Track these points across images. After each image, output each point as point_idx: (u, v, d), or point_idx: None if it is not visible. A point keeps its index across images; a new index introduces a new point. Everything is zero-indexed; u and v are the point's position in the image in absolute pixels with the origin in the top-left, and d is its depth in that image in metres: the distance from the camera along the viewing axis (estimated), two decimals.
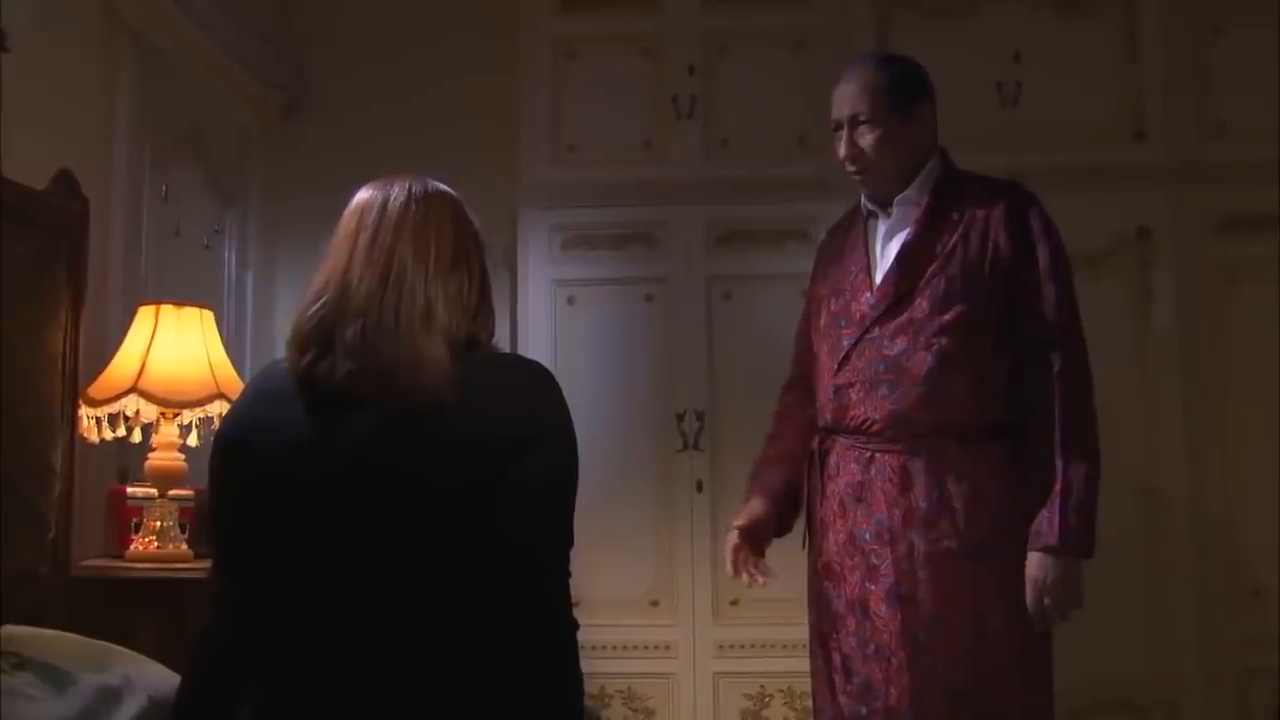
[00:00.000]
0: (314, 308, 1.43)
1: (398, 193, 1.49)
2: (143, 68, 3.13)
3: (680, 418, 3.42)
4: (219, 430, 1.52)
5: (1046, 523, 2.09)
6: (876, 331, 2.20)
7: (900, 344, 2.18)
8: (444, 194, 1.52)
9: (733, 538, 2.35)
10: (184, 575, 2.60)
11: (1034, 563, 2.10)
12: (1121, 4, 3.46)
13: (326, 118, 3.99)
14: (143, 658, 1.97)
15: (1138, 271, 3.35)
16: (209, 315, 2.82)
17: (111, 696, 1.75)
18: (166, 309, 2.75)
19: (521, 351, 3.35)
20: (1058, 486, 2.10)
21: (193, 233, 3.45)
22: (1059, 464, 2.11)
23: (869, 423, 2.19)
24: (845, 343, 2.23)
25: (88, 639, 2.00)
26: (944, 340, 2.15)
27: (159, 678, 1.88)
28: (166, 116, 3.26)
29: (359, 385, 1.39)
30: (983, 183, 2.30)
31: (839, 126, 2.28)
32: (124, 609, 2.51)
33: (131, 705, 1.75)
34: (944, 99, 3.42)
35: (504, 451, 1.38)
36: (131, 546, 2.71)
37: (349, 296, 1.42)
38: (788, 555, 3.27)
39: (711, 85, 3.55)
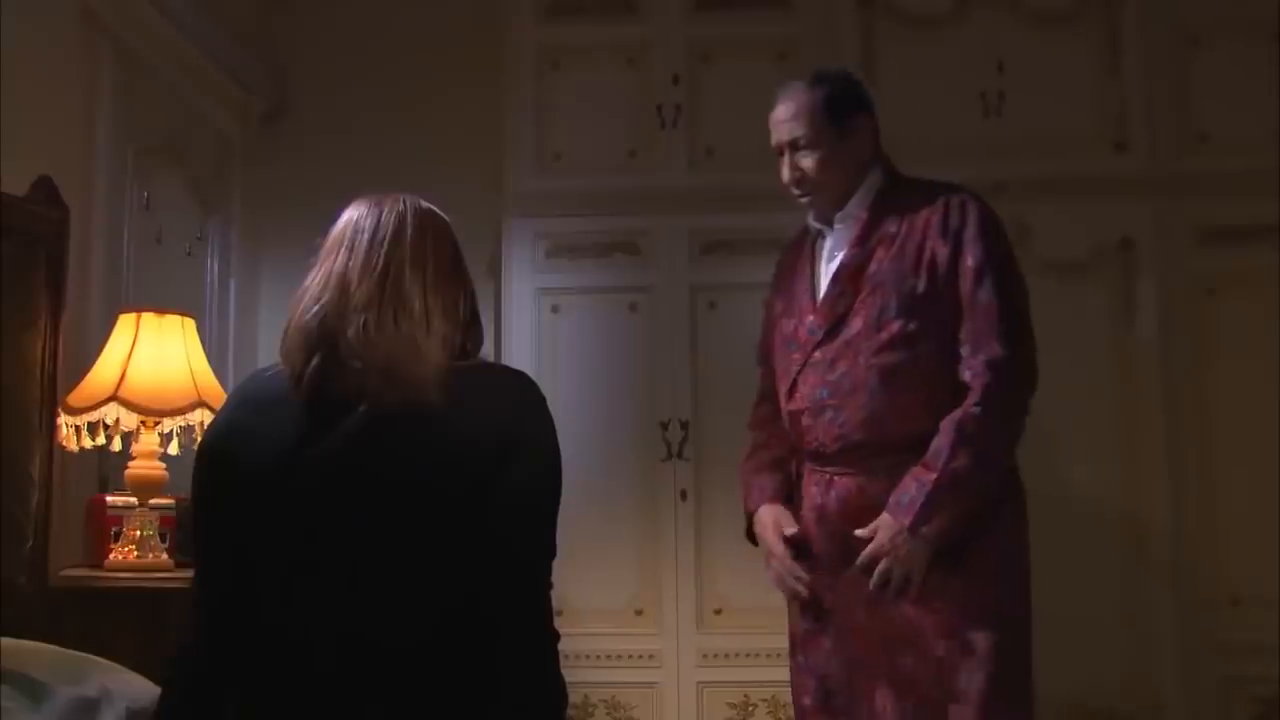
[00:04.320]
0: (313, 309, 1.44)
1: (391, 206, 1.51)
2: (123, 74, 3.12)
3: (664, 427, 3.42)
4: (202, 439, 1.53)
5: (908, 501, 2.04)
6: (818, 355, 2.17)
7: (842, 367, 2.14)
8: (435, 212, 1.54)
9: (784, 551, 2.22)
10: (164, 585, 2.58)
11: (886, 526, 2.06)
12: (1103, 16, 3.49)
13: (309, 125, 3.98)
14: (121, 668, 1.95)
15: (1120, 282, 3.37)
16: (190, 323, 2.81)
17: (89, 708, 1.73)
18: (147, 316, 2.73)
19: (505, 360, 3.35)
20: (934, 475, 2.04)
21: (175, 240, 3.43)
22: (946, 447, 2.05)
23: (822, 447, 2.17)
24: (794, 369, 2.22)
25: (65, 650, 1.98)
26: (886, 357, 2.11)
27: (137, 689, 1.86)
28: (148, 123, 3.25)
29: (362, 383, 1.39)
30: (922, 190, 2.25)
31: (780, 152, 2.26)
32: (103, 619, 2.49)
33: (109, 716, 1.73)
34: (927, 108, 3.47)
35: (487, 460, 1.38)
36: (111, 556, 2.69)
37: (348, 298, 1.43)
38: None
39: (696, 94, 3.56)
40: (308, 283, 1.47)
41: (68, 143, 2.89)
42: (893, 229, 2.18)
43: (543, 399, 1.47)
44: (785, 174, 2.25)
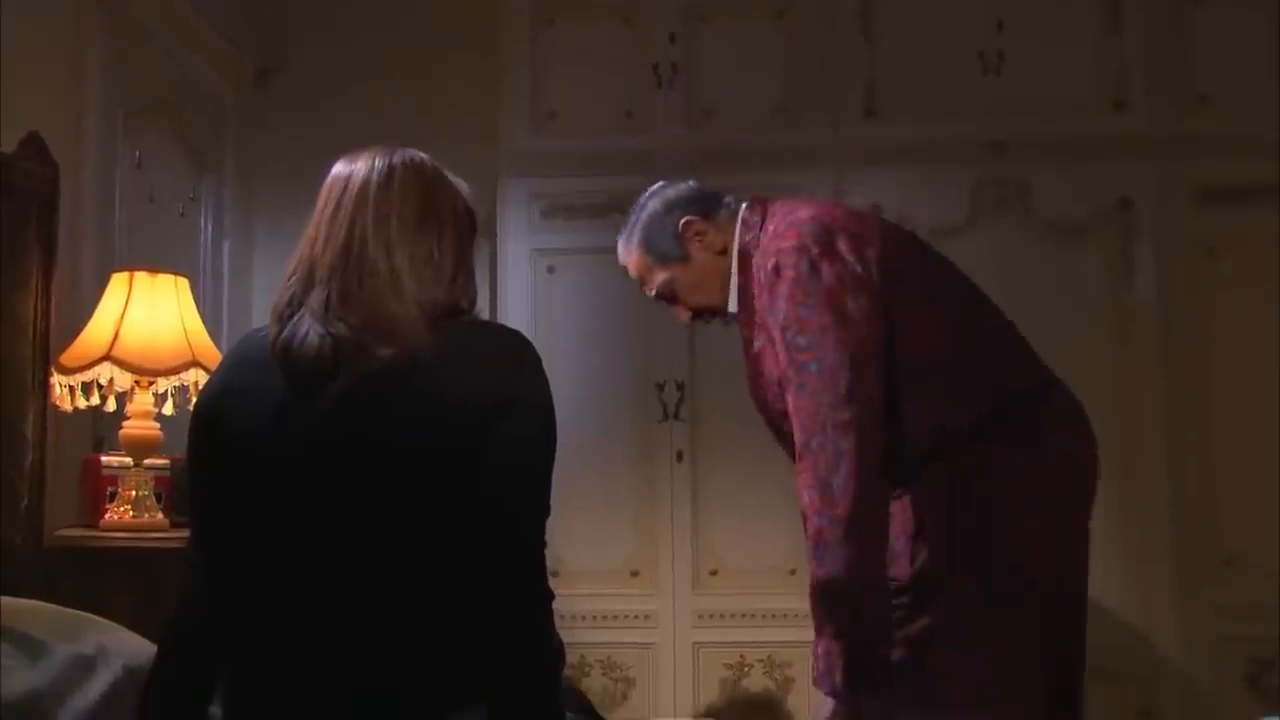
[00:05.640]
0: (287, 285, 1.45)
1: (363, 164, 1.49)
2: (114, 30, 3.07)
3: (660, 388, 3.41)
4: (197, 400, 1.53)
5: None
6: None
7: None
8: (412, 160, 1.51)
9: None
10: (159, 545, 2.58)
11: None
12: None
13: (303, 85, 3.94)
14: (118, 627, 1.94)
15: (1119, 242, 3.36)
16: (184, 282, 2.78)
17: (85, 665, 1.73)
18: (140, 275, 2.71)
19: (500, 321, 3.33)
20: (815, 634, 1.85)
21: (167, 200, 3.40)
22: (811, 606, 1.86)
23: None
24: None
25: (62, 608, 1.97)
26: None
27: (134, 647, 1.86)
28: (139, 81, 3.21)
29: (330, 353, 1.39)
30: (758, 256, 2.04)
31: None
32: (99, 579, 2.49)
33: (106, 674, 1.73)
34: (926, 66, 3.44)
35: (480, 419, 1.37)
36: (106, 516, 2.69)
37: (314, 270, 1.44)
38: (766, 522, 3.29)
39: (692, 53, 3.52)
40: (291, 257, 1.48)
41: (56, 100, 2.85)
42: (760, 332, 2.03)
43: (538, 357, 1.46)
44: (677, 318, 2.23)
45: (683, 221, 2.11)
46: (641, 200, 2.20)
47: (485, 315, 1.78)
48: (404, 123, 3.59)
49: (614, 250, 3.53)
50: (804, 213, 2.01)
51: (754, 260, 2.03)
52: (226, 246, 3.73)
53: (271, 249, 3.77)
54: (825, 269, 1.90)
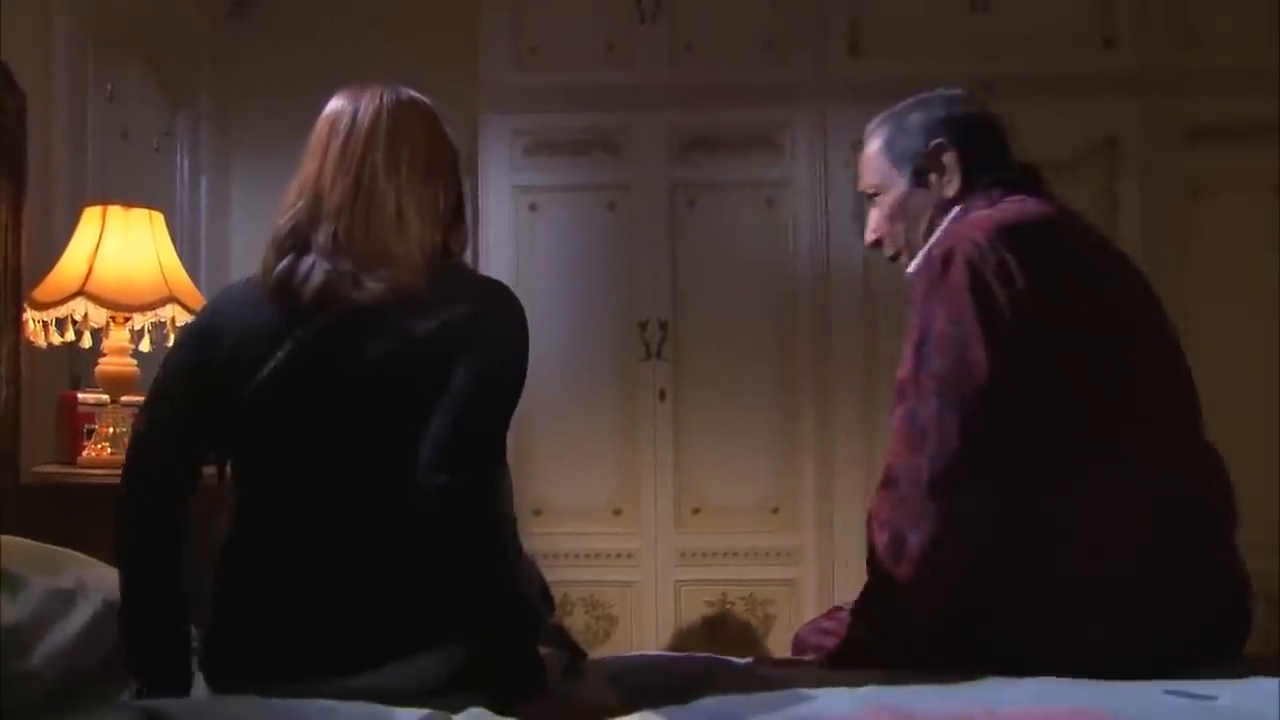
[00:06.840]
0: (287, 216, 1.46)
1: (369, 101, 1.49)
2: None
3: (643, 326, 3.40)
4: (180, 331, 1.56)
5: None
6: None
7: None
8: (417, 103, 1.52)
9: None
10: None
11: None
12: None
13: (279, 16, 3.86)
14: (96, 562, 1.93)
15: (1104, 180, 3.35)
16: (159, 217, 2.74)
17: (65, 599, 1.72)
18: (114, 210, 2.66)
19: (483, 259, 3.32)
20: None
21: (142, 135, 3.34)
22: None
23: None
24: None
25: (39, 544, 1.96)
26: None
27: (113, 581, 1.83)
28: (108, 10, 3.13)
29: (332, 287, 1.41)
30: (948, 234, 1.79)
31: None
32: (77, 516, 2.46)
33: (85, 608, 1.72)
34: (913, 2, 3.39)
35: (453, 353, 1.39)
36: (84, 453, 2.67)
37: (321, 204, 1.44)
38: (748, 461, 3.30)
39: None
40: (289, 189, 1.48)
41: (22, 27, 2.77)
42: None
43: (521, 308, 1.48)
44: (868, 227, 1.91)
45: (935, 143, 1.80)
46: (935, 93, 1.88)
47: (467, 253, 1.79)
48: (383, 57, 3.52)
49: (596, 187, 3.56)
50: (1008, 208, 1.75)
51: (945, 232, 1.77)
52: (204, 183, 3.67)
53: (250, 186, 3.72)
54: (996, 290, 1.59)
